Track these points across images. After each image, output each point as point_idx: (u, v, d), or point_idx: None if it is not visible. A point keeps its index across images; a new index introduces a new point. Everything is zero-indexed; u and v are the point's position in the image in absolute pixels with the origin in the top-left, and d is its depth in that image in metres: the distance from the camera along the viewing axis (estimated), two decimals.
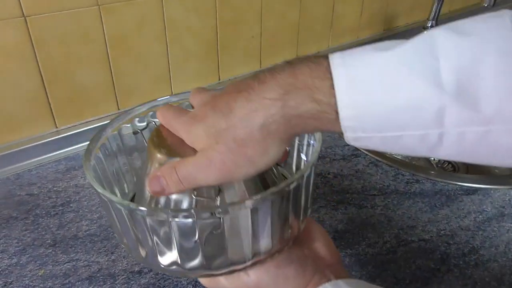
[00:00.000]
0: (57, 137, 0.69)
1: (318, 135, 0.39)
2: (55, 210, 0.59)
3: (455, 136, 0.28)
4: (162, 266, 0.35)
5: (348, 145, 0.73)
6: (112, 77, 0.73)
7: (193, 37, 0.79)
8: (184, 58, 0.79)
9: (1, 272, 0.50)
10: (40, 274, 0.50)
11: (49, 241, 0.55)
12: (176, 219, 0.31)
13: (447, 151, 0.29)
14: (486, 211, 0.60)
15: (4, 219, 0.58)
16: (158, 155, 0.34)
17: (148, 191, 0.34)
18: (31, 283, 0.49)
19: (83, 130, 0.72)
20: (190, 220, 0.32)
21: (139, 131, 0.44)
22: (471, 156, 0.29)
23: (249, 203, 0.31)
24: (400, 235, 0.55)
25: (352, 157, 0.70)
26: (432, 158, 0.93)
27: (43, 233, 0.56)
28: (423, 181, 0.65)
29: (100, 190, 0.33)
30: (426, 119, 0.28)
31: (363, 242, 0.54)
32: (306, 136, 0.41)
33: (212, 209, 0.32)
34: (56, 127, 0.71)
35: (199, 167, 0.31)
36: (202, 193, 0.34)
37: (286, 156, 0.42)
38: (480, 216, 0.59)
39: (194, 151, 0.32)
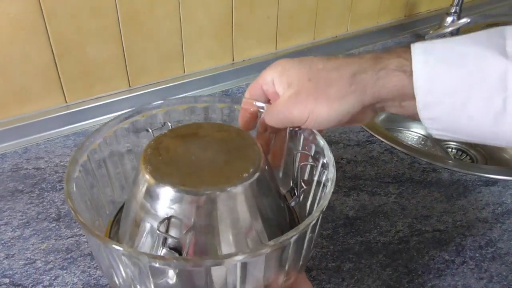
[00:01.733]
0: (66, 112, 0.69)
1: (332, 175, 0.35)
2: (61, 185, 0.59)
3: None
4: None
5: (363, 131, 0.71)
6: (124, 54, 0.71)
7: (208, 15, 0.77)
8: (197, 36, 0.78)
9: (4, 244, 0.50)
10: (42, 248, 0.50)
11: (53, 215, 0.54)
12: (154, 264, 0.28)
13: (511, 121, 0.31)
14: (506, 203, 0.57)
15: (9, 192, 0.57)
16: (146, 176, 0.33)
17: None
18: (33, 256, 0.48)
19: (93, 106, 0.71)
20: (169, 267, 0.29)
21: (150, 130, 0.42)
22: None
23: (239, 258, 0.27)
24: (414, 225, 0.53)
25: (367, 143, 0.68)
26: (450, 150, 0.89)
27: (48, 207, 0.55)
28: (440, 170, 0.63)
29: (81, 219, 0.30)
30: (491, 82, 0.31)
31: (375, 230, 0.52)
32: (319, 170, 0.38)
33: (195, 261, 0.28)
34: (66, 102, 0.70)
35: (288, 105, 0.36)
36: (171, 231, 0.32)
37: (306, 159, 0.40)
38: (499, 208, 0.56)
39: (183, 174, 0.32)
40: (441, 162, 0.64)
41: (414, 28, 1.09)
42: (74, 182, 0.34)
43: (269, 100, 0.40)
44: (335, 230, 0.52)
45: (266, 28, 0.86)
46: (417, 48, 0.33)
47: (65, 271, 0.47)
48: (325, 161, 0.36)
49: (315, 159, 0.38)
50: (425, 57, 0.33)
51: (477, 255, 0.50)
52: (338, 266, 0.48)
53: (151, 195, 0.32)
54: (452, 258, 0.49)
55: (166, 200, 0.32)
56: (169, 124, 0.42)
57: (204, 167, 0.33)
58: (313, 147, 0.38)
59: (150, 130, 0.42)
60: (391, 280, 0.46)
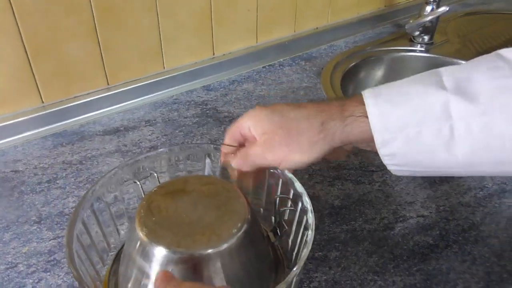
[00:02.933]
0: (43, 112, 0.67)
1: (311, 221, 0.38)
2: (41, 187, 0.57)
3: (462, 127, 0.34)
4: None
5: None
6: (101, 51, 0.70)
7: (186, 9, 0.76)
8: (176, 31, 0.76)
9: None
10: (24, 251, 0.48)
11: (34, 218, 0.53)
12: None
13: (461, 146, 0.34)
14: (487, 187, 0.58)
15: None
16: (143, 238, 0.35)
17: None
18: (14, 260, 0.47)
19: (71, 106, 0.69)
20: None
21: (137, 182, 0.45)
22: (484, 153, 0.34)
23: None
24: (398, 211, 0.54)
25: None
26: None
27: (28, 210, 0.54)
28: None
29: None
30: (436, 113, 0.35)
31: (360, 218, 0.52)
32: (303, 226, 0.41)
33: None
34: (43, 102, 0.68)
35: (263, 151, 0.40)
36: None
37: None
38: (481, 193, 0.57)
39: (176, 235, 0.35)
40: None
41: (394, 18, 1.10)
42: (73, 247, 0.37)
43: (245, 143, 0.43)
44: (321, 219, 0.52)
45: (246, 21, 0.85)
46: (366, 93, 0.38)
47: (48, 274, 0.46)
48: (303, 207, 0.40)
49: (295, 202, 0.41)
50: (375, 100, 0.37)
51: (460, 238, 0.50)
52: (325, 255, 0.48)
53: (147, 255, 0.35)
54: (436, 243, 0.50)
55: (163, 260, 0.34)
56: (155, 174, 0.45)
57: (195, 226, 0.36)
58: (292, 191, 0.42)
59: (137, 182, 0.44)
60: (377, 267, 0.47)
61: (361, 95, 0.38)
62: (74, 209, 0.40)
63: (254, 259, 0.38)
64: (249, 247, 0.37)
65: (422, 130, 0.35)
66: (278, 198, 0.44)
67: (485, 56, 0.37)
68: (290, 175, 0.42)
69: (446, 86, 0.35)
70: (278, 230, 0.43)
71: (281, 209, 0.43)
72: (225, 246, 0.34)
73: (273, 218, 0.45)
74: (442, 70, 0.37)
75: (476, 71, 0.35)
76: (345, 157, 0.45)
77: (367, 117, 0.37)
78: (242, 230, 0.36)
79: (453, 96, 0.35)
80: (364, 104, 0.37)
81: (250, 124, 0.41)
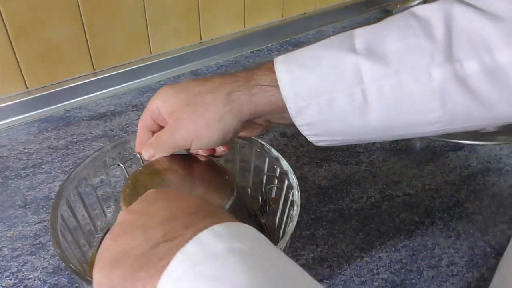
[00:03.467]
0: (27, 98, 0.66)
1: (296, 198, 0.38)
2: (26, 171, 0.57)
3: (374, 91, 0.33)
4: None
5: None
6: (85, 34, 0.69)
7: None
8: (162, 15, 0.76)
9: None
10: (8, 235, 0.48)
11: (19, 203, 0.52)
12: None
13: (374, 111, 0.33)
14: (472, 166, 0.58)
15: None
16: None
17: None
18: None
19: (57, 91, 0.68)
20: None
21: (121, 164, 0.45)
22: (397, 116, 0.33)
23: None
24: (385, 190, 0.54)
25: None
26: None
27: (13, 194, 0.53)
28: (410, 138, 0.64)
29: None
30: (348, 78, 0.33)
31: (347, 198, 0.53)
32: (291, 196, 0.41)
33: None
34: (27, 88, 0.67)
35: (172, 132, 0.38)
36: None
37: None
38: (466, 171, 0.57)
39: None
40: None
41: (382, 4, 1.10)
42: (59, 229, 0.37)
43: (161, 127, 0.41)
44: (308, 199, 0.52)
45: (234, 5, 0.84)
46: (278, 60, 0.36)
47: (34, 257, 0.46)
48: (289, 184, 0.40)
49: (281, 180, 0.41)
50: (286, 66, 0.35)
51: (445, 215, 0.51)
52: (312, 233, 0.48)
53: None
54: (422, 220, 0.50)
55: None
56: (139, 156, 0.44)
57: None
58: (278, 170, 0.42)
59: (121, 165, 0.44)
60: (363, 244, 0.47)
61: (272, 61, 0.36)
62: (58, 189, 0.40)
63: None
64: (238, 214, 0.37)
65: (335, 97, 0.34)
66: (265, 176, 0.44)
67: (398, 14, 0.35)
68: (276, 153, 0.42)
69: (357, 49, 0.34)
70: (265, 208, 0.43)
71: (267, 187, 0.43)
72: None
73: (260, 197, 0.45)
74: (356, 31, 0.35)
75: (387, 30, 0.34)
76: (261, 132, 0.42)
77: (274, 86, 0.35)
78: (229, 207, 0.36)
79: (364, 58, 0.33)
80: (273, 72, 0.35)
81: (158, 104, 0.38)
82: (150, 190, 0.30)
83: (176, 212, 0.27)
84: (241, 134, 0.40)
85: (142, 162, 0.44)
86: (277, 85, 0.35)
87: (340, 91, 0.34)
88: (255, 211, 0.44)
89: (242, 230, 0.26)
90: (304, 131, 0.36)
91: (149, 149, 0.40)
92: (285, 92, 0.34)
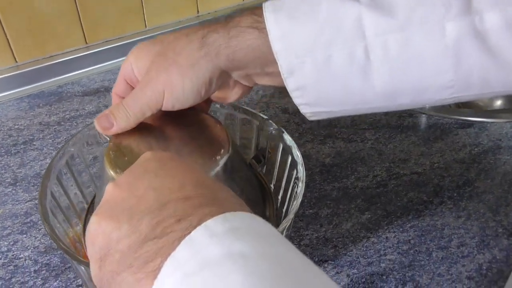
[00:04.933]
0: (17, 72, 0.63)
1: (302, 175, 0.35)
2: (16, 148, 0.54)
3: (379, 47, 0.28)
4: None
5: None
6: (77, 6, 0.65)
7: None
8: None
9: None
10: None
11: (8, 180, 0.50)
12: None
13: (378, 71, 0.29)
14: (482, 144, 0.56)
15: None
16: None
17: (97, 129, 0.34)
18: None
19: (47, 66, 0.65)
20: None
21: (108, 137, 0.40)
22: (404, 78, 0.29)
23: None
24: (392, 169, 0.52)
25: None
26: None
27: (3, 172, 0.51)
28: (417, 115, 0.61)
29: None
30: (348, 31, 0.29)
31: (352, 176, 0.51)
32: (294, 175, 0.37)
33: None
34: (16, 62, 0.64)
35: (140, 87, 0.32)
36: None
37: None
38: (476, 149, 0.55)
39: None
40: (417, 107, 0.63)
41: None
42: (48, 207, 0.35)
43: None
44: (311, 177, 0.50)
45: None
46: (267, 6, 0.30)
47: (24, 236, 0.44)
48: (293, 159, 0.37)
49: (284, 155, 0.38)
50: (276, 15, 0.30)
51: (455, 194, 0.49)
52: (316, 212, 0.46)
53: None
54: (431, 199, 0.48)
55: None
56: None
57: None
58: (281, 145, 0.39)
59: (108, 138, 0.39)
60: (370, 223, 0.45)
61: (255, 7, 0.31)
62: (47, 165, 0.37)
63: (241, 185, 0.35)
64: (234, 174, 0.34)
65: (333, 54, 0.29)
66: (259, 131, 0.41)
67: None
68: (279, 128, 0.40)
69: None
70: (261, 158, 0.40)
71: (260, 135, 0.40)
72: (210, 174, 0.32)
73: (251, 150, 0.43)
74: None
75: None
76: (241, 95, 0.36)
77: (256, 28, 0.30)
78: (225, 157, 0.33)
79: (367, 9, 0.28)
80: (254, 15, 0.31)
81: (132, 61, 0.34)
82: (144, 155, 0.26)
83: (168, 196, 0.22)
84: (219, 95, 0.35)
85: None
86: (258, 27, 0.30)
87: (339, 48, 0.29)
88: (250, 161, 0.41)
89: (245, 223, 0.21)
90: (297, 98, 0.31)
91: (108, 117, 0.33)
92: (277, 47, 0.30)
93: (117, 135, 0.34)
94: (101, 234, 0.23)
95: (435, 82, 0.29)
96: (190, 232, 0.20)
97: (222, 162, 0.33)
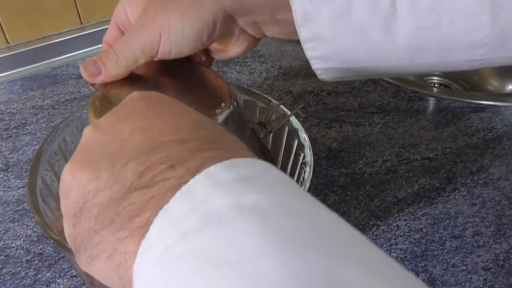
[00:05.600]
0: (8, 53, 0.60)
1: (310, 160, 0.32)
2: (8, 133, 0.52)
3: None
4: None
5: None
6: None
7: None
8: None
9: None
10: None
11: (0, 166, 0.48)
12: None
13: (403, 23, 0.25)
14: (496, 128, 0.53)
15: None
16: None
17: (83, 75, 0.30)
18: None
19: (41, 47, 0.62)
20: None
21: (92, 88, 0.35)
22: (432, 33, 0.25)
23: None
24: (402, 154, 0.49)
25: None
26: (433, 84, 0.86)
27: None
28: (427, 98, 0.58)
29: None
30: None
31: (360, 161, 0.48)
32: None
33: None
34: (8, 43, 0.61)
35: (134, 29, 0.29)
36: None
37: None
38: (490, 134, 0.53)
39: None
40: (428, 90, 0.60)
41: None
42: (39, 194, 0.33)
43: None
44: (318, 163, 0.48)
45: None
46: None
47: (16, 224, 0.42)
48: (300, 143, 0.34)
49: (290, 139, 0.36)
50: None
51: (469, 181, 0.46)
52: (323, 199, 0.44)
53: None
54: (443, 186, 0.46)
55: None
56: None
57: None
58: (287, 128, 0.36)
59: (92, 88, 0.35)
60: (379, 211, 0.43)
61: None
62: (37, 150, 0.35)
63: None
64: (235, 133, 0.31)
65: (354, 1, 0.26)
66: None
67: None
68: (285, 110, 0.37)
69: None
70: (266, 125, 0.37)
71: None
72: None
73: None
74: None
75: None
76: (247, 48, 0.32)
77: None
78: (226, 112, 0.29)
79: None
80: None
81: (126, 4, 0.30)
82: (130, 96, 0.22)
83: (159, 138, 0.18)
84: (220, 46, 0.32)
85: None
86: None
87: None
88: (253, 125, 0.37)
89: (256, 170, 0.17)
90: (309, 51, 0.28)
91: (96, 63, 0.29)
92: None
93: (105, 85, 0.30)
94: (76, 185, 0.19)
95: (467, 38, 0.26)
96: (187, 181, 0.16)
97: (222, 117, 0.29)
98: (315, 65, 0.29)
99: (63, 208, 0.20)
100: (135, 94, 0.22)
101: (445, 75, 0.83)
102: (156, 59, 0.30)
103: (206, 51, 0.34)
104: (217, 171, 0.16)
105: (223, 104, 0.29)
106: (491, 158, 0.49)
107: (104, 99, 0.29)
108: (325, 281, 0.13)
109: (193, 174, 0.16)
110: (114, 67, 0.29)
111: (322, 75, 0.30)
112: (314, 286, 0.12)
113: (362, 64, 0.28)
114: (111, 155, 0.18)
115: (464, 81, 0.83)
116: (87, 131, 0.21)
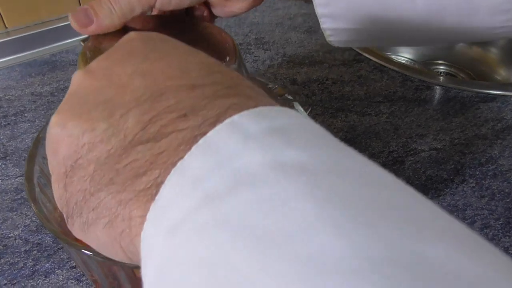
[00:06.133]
0: (7, 39, 0.59)
1: None
2: (7, 120, 0.51)
3: None
4: None
5: (350, 49, 0.64)
6: None
7: None
8: None
9: None
10: None
11: None
12: None
13: None
14: (506, 119, 0.52)
15: None
16: None
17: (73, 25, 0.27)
18: None
19: (40, 32, 0.61)
20: None
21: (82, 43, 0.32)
22: None
23: None
24: (409, 144, 0.48)
25: (354, 62, 0.61)
26: (439, 73, 0.84)
27: None
28: (435, 87, 0.57)
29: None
30: None
31: (366, 152, 0.47)
32: None
33: None
34: (6, 27, 0.60)
35: None
36: None
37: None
38: (499, 124, 0.51)
39: None
40: (435, 79, 0.58)
41: None
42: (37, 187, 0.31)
43: None
44: None
45: None
46: None
47: (14, 213, 0.41)
48: None
49: None
50: None
51: (478, 173, 0.45)
52: None
53: None
54: (451, 177, 0.45)
55: None
56: None
57: None
58: None
59: (83, 44, 0.32)
60: None
61: None
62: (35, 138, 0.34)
63: None
64: None
65: None
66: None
67: None
68: (290, 97, 0.36)
69: None
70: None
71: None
72: None
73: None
74: None
75: None
76: (250, 5, 0.30)
77: None
78: (233, 67, 0.27)
79: None
80: None
81: None
82: (127, 36, 0.19)
83: (165, 82, 0.15)
84: (223, 1, 0.29)
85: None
86: None
87: None
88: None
89: (292, 121, 0.14)
90: (320, 7, 0.26)
91: (87, 11, 0.26)
92: None
93: (97, 37, 0.28)
94: (66, 139, 0.16)
95: (489, 2, 0.24)
96: (205, 132, 0.13)
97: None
98: (325, 24, 0.27)
99: (51, 167, 0.17)
100: (133, 34, 0.19)
101: (452, 64, 0.81)
102: (154, 11, 0.28)
103: (208, 6, 0.32)
104: (244, 120, 0.13)
105: (227, 58, 0.27)
106: (501, 149, 0.48)
107: (96, 51, 0.27)
108: (407, 262, 0.09)
109: (212, 124, 0.13)
110: (107, 16, 0.26)
111: (330, 37, 0.28)
112: (393, 270, 0.09)
113: (376, 25, 0.26)
114: (108, 103, 0.15)
115: (471, 70, 0.82)
116: (77, 76, 0.18)
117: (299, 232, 0.10)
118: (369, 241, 0.10)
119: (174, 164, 0.13)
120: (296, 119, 0.14)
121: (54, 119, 0.17)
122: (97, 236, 0.15)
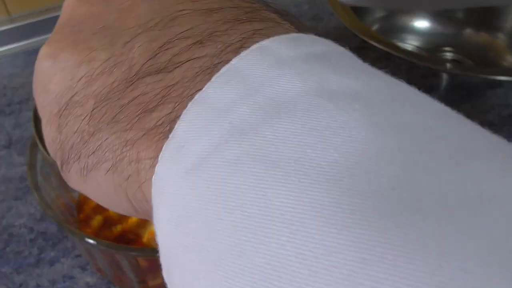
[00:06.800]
0: (10, 26, 0.59)
1: None
2: (11, 108, 0.51)
3: None
4: None
5: (356, 37, 0.63)
6: None
7: None
8: None
9: None
10: None
11: (2, 142, 0.47)
12: None
13: None
14: None
15: None
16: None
17: None
18: None
19: (43, 20, 0.61)
20: None
21: None
22: None
23: None
24: None
25: (360, 50, 0.60)
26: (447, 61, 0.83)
27: None
28: (440, 74, 0.56)
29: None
30: None
31: None
32: None
33: None
34: (9, 14, 0.59)
35: None
36: None
37: None
38: (506, 111, 0.51)
39: None
40: (442, 66, 0.58)
41: None
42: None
43: None
44: None
45: None
46: None
47: (19, 202, 0.41)
48: None
49: None
50: None
51: None
52: None
53: None
54: None
55: None
56: None
57: None
58: None
59: None
60: None
61: None
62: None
63: None
64: None
65: None
66: None
67: None
68: None
69: None
70: None
71: None
72: None
73: None
74: None
75: None
76: None
77: None
78: None
79: None
80: None
81: None
82: None
83: (175, 6, 0.13)
84: None
85: None
86: None
87: None
88: None
89: (330, 48, 0.12)
90: None
91: None
92: None
93: None
94: (59, 73, 0.14)
95: None
96: (228, 60, 0.11)
97: None
98: None
99: (41, 107, 0.15)
100: None
101: (458, 50, 0.80)
102: None
103: None
104: (275, 45, 0.11)
105: None
106: (507, 136, 0.47)
107: None
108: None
109: (235, 51, 0.11)
110: None
111: None
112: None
113: None
114: (108, 30, 0.13)
115: (478, 57, 0.80)
116: (69, 2, 0.15)
117: (360, 165, 0.08)
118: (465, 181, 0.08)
119: (191, 97, 0.11)
120: (337, 47, 0.12)
121: (43, 51, 0.14)
122: (98, 183, 0.13)
